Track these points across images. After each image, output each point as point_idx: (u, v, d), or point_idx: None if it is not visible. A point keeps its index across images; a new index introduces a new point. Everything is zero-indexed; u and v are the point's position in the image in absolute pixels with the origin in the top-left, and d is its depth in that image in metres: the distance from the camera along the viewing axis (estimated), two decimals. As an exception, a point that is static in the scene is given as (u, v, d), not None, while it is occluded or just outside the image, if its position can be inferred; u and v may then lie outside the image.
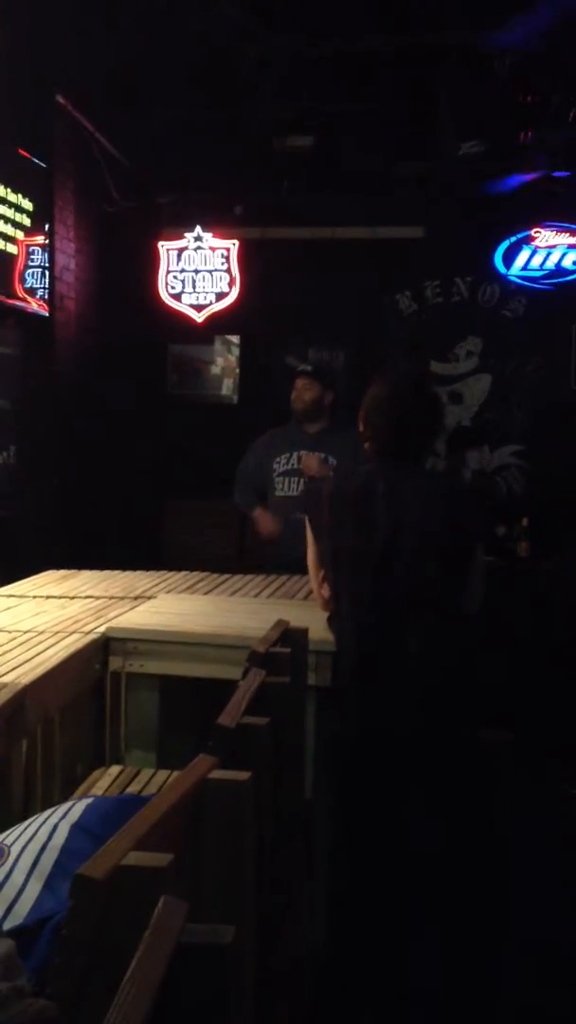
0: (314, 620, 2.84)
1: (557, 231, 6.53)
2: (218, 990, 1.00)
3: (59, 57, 5.34)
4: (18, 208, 5.11)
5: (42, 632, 2.92)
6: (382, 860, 2.73)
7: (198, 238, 6.74)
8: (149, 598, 3.55)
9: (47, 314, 5.50)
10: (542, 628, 5.29)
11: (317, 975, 2.67)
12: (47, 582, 3.87)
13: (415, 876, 2.79)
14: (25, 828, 1.75)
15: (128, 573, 4.11)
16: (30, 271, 5.29)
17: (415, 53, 5.77)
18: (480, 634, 3.12)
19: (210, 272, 6.75)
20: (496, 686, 4.61)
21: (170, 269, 6.78)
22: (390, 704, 2.69)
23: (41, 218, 5.39)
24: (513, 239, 6.57)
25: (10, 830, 1.77)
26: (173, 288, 6.79)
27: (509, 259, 6.61)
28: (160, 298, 6.79)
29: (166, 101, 6.22)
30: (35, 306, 5.36)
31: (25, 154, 5.17)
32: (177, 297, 6.79)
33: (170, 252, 6.78)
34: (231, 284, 6.73)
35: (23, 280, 5.24)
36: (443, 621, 2.70)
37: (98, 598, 3.52)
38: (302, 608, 3.30)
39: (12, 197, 5.03)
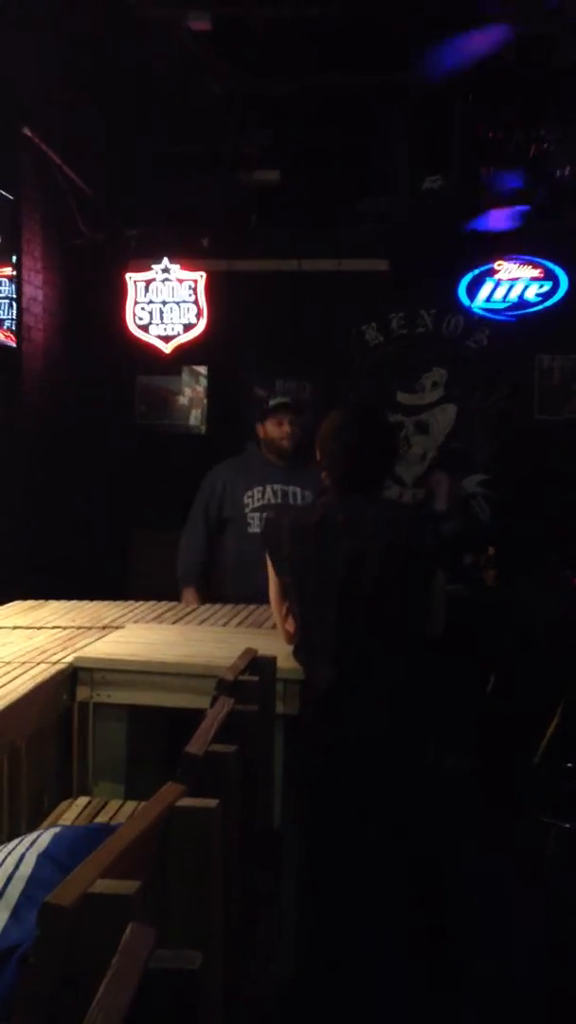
0: (282, 648, 2.85)
1: (520, 264, 6.64)
2: (186, 1015, 1.00)
3: (25, 89, 5.38)
4: (-15, 240, 5.12)
5: (9, 663, 2.91)
6: (350, 889, 2.73)
7: (165, 270, 6.78)
8: (117, 628, 3.54)
9: (14, 345, 5.50)
10: (514, 657, 5.32)
11: (285, 1004, 2.66)
12: (13, 612, 3.85)
13: (383, 904, 2.79)
14: (-8, 859, 1.74)
15: (95, 603, 4.10)
16: (-3, 302, 5.31)
17: (376, 90, 5.88)
18: (444, 661, 3.15)
19: (177, 303, 6.79)
20: (466, 714, 4.62)
21: (138, 300, 6.81)
22: (358, 732, 2.70)
23: (8, 249, 5.40)
24: (476, 272, 6.67)
25: (-24, 861, 1.76)
26: (141, 319, 6.82)
27: (473, 291, 6.70)
28: (128, 329, 6.82)
29: (133, 134, 6.29)
30: (2, 337, 5.37)
31: (-8, 186, 5.20)
32: (145, 328, 6.82)
33: (137, 284, 6.81)
34: (198, 315, 6.77)
35: (-10, 311, 5.25)
36: (407, 647, 2.73)
37: (65, 628, 3.51)
38: (270, 637, 3.31)
39: (-21, 229, 5.05)
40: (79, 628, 3.52)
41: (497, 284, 6.66)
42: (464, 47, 4.57)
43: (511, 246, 6.63)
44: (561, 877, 3.95)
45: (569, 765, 4.44)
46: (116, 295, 6.80)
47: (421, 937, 2.87)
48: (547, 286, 6.62)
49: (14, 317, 5.46)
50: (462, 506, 6.53)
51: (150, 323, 6.81)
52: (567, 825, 4.10)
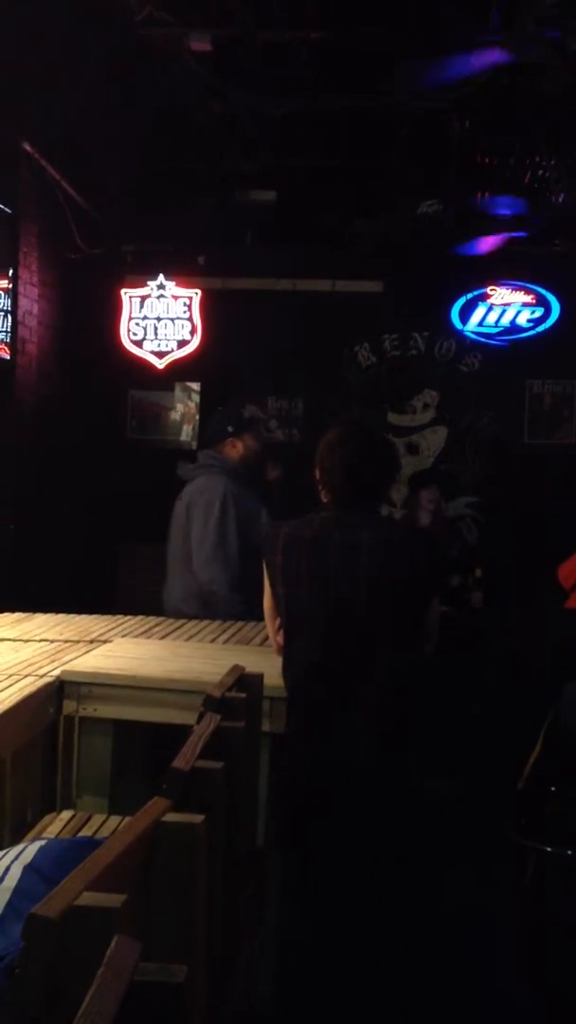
0: (270, 666, 2.86)
1: (512, 289, 6.69)
2: (170, 1028, 1.01)
3: (26, 106, 5.41)
4: (-18, 252, 5.15)
5: (-4, 675, 2.91)
6: (332, 908, 2.73)
7: (161, 286, 6.81)
8: (104, 642, 3.54)
9: (8, 358, 5.52)
10: (499, 679, 5.32)
11: (265, 1021, 2.65)
12: (1, 625, 3.85)
13: (365, 926, 2.79)
14: (-24, 871, 1.74)
15: (84, 617, 4.09)
16: (-8, 315, 5.33)
17: (374, 113, 5.93)
18: (432, 683, 3.16)
19: (172, 320, 6.82)
20: (450, 736, 4.63)
21: (132, 316, 6.84)
22: (340, 751, 2.70)
23: (5, 263, 5.43)
24: (469, 296, 6.73)
25: (-39, 873, 1.76)
26: (135, 335, 6.85)
27: (465, 315, 6.76)
28: (122, 344, 6.84)
29: (132, 152, 6.33)
30: (-3, 349, 5.39)
31: (-9, 200, 5.23)
32: (139, 344, 6.85)
33: (133, 299, 6.85)
34: (192, 332, 6.80)
35: (-15, 323, 5.27)
36: (395, 669, 2.73)
37: (53, 641, 3.51)
38: (258, 654, 3.31)
39: (-23, 241, 5.07)
40: (67, 642, 3.52)
41: (490, 309, 6.71)
42: (458, 66, 4.61)
43: (505, 271, 6.69)
44: (541, 901, 3.96)
45: (552, 789, 4.45)
46: (111, 310, 6.83)
47: (400, 959, 2.87)
48: (539, 312, 6.68)
49: (8, 330, 5.48)
50: (447, 526, 6.54)
51: (144, 339, 6.84)
52: (548, 849, 4.10)
